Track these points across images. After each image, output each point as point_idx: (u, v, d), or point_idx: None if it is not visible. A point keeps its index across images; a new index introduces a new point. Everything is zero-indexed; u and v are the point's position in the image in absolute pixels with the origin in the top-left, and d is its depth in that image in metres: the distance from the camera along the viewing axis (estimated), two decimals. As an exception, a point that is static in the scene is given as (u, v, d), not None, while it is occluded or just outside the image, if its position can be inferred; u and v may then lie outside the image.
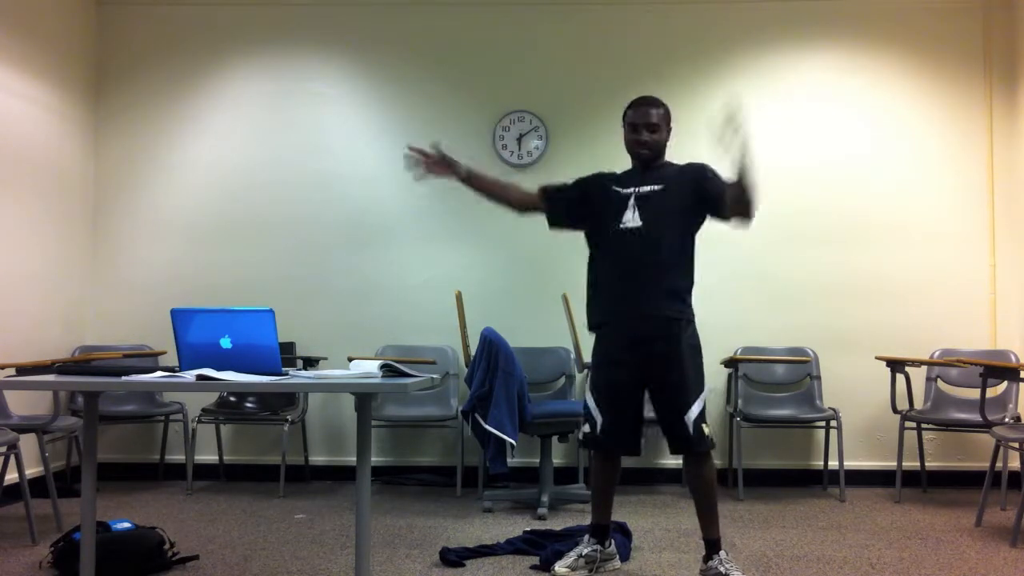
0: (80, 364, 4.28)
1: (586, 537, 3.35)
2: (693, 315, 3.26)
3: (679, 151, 5.26)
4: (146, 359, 4.88)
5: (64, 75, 5.15)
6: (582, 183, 3.49)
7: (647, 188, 3.25)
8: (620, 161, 5.30)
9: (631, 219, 3.22)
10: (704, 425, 3.17)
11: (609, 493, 3.40)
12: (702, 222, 3.27)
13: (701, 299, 5.24)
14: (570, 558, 3.28)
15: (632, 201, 3.24)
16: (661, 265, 3.18)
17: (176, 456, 5.25)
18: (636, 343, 3.20)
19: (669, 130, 3.32)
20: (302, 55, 5.44)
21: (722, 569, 3.11)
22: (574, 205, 3.45)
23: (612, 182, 3.37)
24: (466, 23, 5.41)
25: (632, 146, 3.30)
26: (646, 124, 3.25)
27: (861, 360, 5.07)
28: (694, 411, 3.14)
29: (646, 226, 3.19)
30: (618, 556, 3.41)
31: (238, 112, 5.43)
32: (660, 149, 3.30)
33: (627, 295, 3.21)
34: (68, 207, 5.19)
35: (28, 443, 4.11)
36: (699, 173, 3.25)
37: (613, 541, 3.41)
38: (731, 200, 3.06)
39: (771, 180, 5.26)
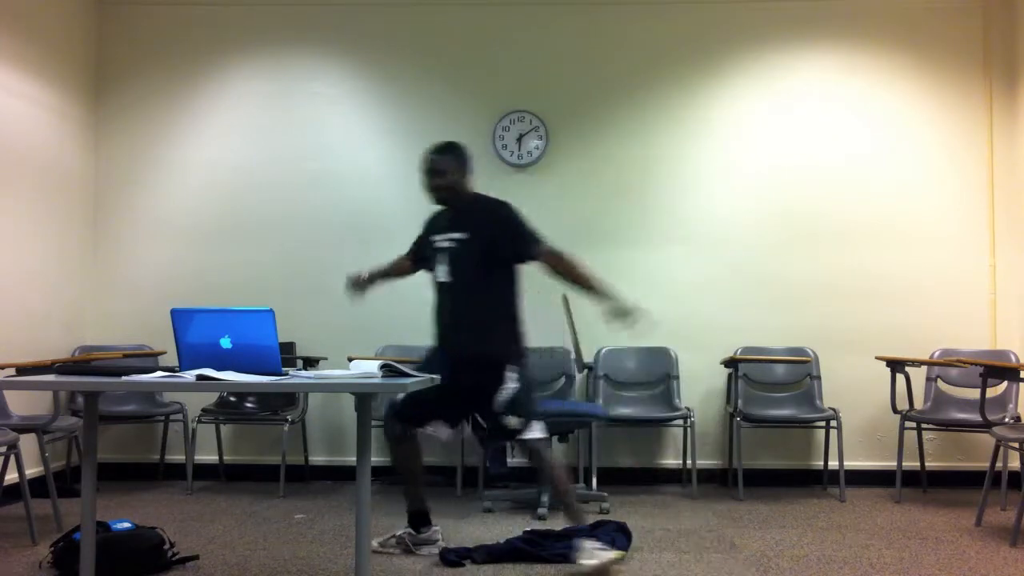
0: (80, 364, 4.28)
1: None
2: (520, 352, 3.48)
3: (679, 150, 5.33)
4: (146, 359, 4.88)
5: (64, 75, 5.15)
6: (417, 241, 3.73)
7: (455, 236, 3.47)
8: (620, 161, 5.33)
9: (443, 273, 3.49)
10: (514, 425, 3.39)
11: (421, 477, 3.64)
12: (516, 262, 3.51)
13: (701, 299, 5.31)
14: (382, 536, 3.60)
15: (442, 254, 3.49)
16: (473, 315, 3.43)
17: (176, 456, 5.25)
18: (457, 378, 3.32)
19: (463, 168, 3.51)
20: (302, 55, 5.44)
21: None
22: (423, 261, 3.69)
23: (431, 231, 3.61)
24: (466, 23, 5.41)
25: (427, 192, 3.54)
26: (430, 171, 3.49)
27: (861, 360, 5.06)
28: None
29: (454, 279, 3.46)
30: (440, 540, 3.59)
31: (238, 112, 5.43)
32: (454, 192, 3.49)
33: (448, 341, 3.51)
34: (68, 207, 5.19)
35: (28, 443, 4.11)
36: (502, 229, 3.46)
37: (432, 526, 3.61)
38: (569, 278, 3.46)
39: (771, 180, 5.29)
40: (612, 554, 3.28)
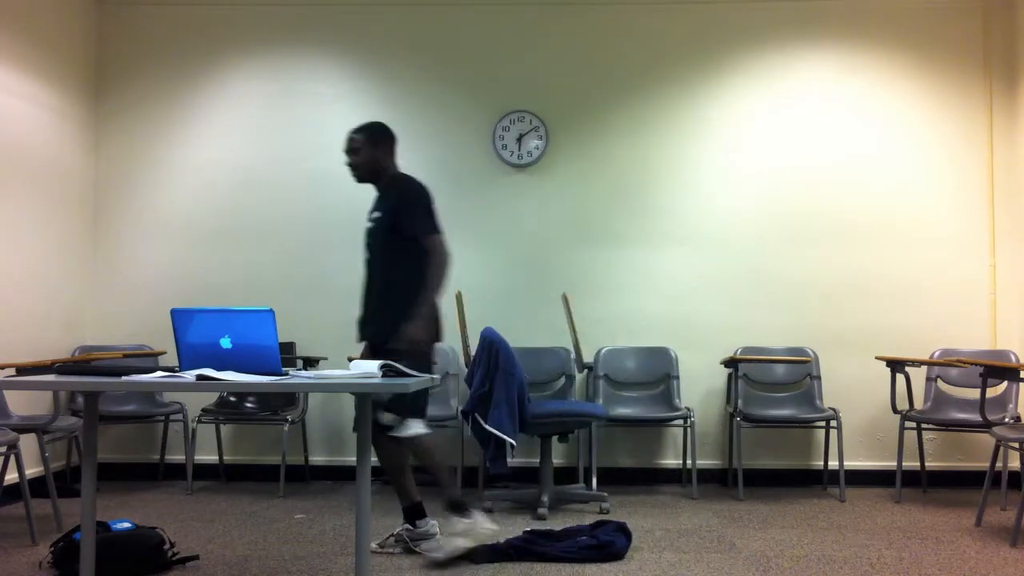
0: (80, 364, 4.28)
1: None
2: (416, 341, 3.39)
3: (679, 150, 5.33)
4: (146, 359, 4.88)
5: (64, 75, 5.15)
6: None
7: (373, 216, 3.57)
8: (620, 161, 5.33)
9: (366, 253, 3.57)
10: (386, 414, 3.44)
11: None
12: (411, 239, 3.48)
13: (701, 299, 5.31)
14: (381, 538, 3.60)
15: (366, 234, 3.58)
16: (378, 299, 3.47)
17: (176, 456, 5.25)
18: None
19: (376, 147, 3.58)
20: (302, 55, 5.44)
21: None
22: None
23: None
24: (466, 23, 5.41)
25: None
26: (346, 149, 3.60)
27: (861, 360, 5.07)
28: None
29: (370, 260, 3.54)
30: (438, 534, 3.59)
31: (238, 112, 5.43)
32: (368, 168, 3.58)
33: (360, 325, 3.59)
34: (68, 207, 5.19)
35: (28, 443, 4.11)
36: (402, 204, 3.48)
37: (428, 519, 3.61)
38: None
39: (771, 180, 5.29)
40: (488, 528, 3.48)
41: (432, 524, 3.62)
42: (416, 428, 3.45)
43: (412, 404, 3.43)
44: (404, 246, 3.43)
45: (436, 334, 3.51)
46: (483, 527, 3.48)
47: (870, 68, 5.26)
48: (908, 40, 5.26)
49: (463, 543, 3.43)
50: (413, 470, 3.61)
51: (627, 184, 5.31)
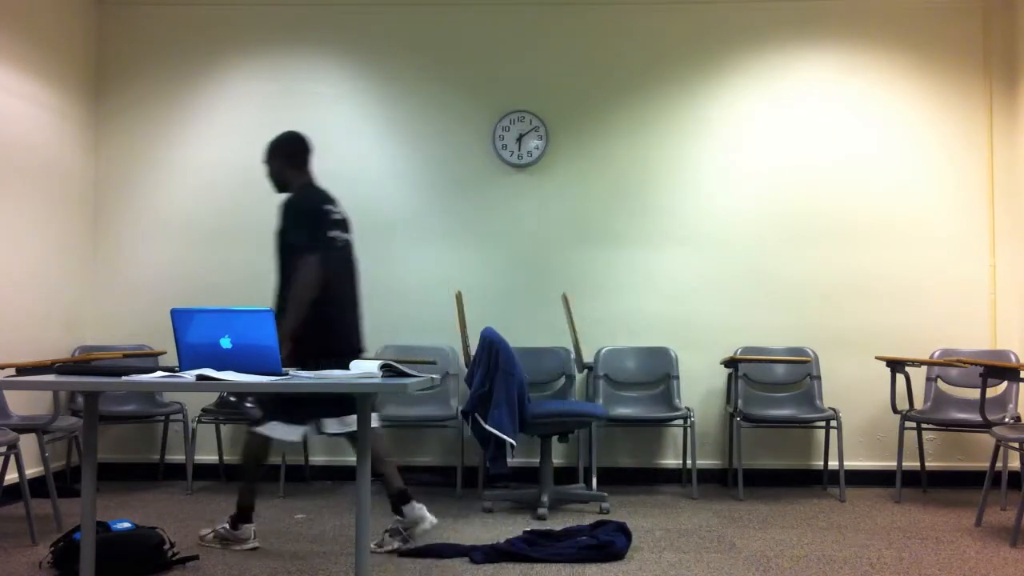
0: (80, 364, 4.27)
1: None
2: (305, 352, 3.41)
3: (679, 150, 5.33)
4: (146, 359, 4.88)
5: (64, 75, 5.15)
6: None
7: (276, 228, 3.59)
8: (620, 161, 5.33)
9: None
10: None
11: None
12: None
13: (701, 299, 5.31)
14: (378, 537, 3.60)
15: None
16: (279, 308, 3.45)
17: (176, 456, 5.25)
18: None
19: (280, 158, 3.66)
20: (302, 55, 5.44)
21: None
22: None
23: None
24: (466, 23, 5.42)
25: None
26: (263, 160, 3.71)
27: (861, 360, 5.07)
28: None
29: (277, 269, 3.57)
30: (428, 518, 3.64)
31: (238, 112, 5.43)
32: (279, 181, 3.67)
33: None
34: (68, 207, 5.19)
35: (28, 443, 4.11)
36: (283, 218, 3.54)
37: (414, 504, 3.62)
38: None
39: (771, 180, 5.29)
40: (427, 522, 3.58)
41: (420, 506, 3.62)
42: (276, 432, 3.47)
43: (282, 408, 3.46)
44: (293, 262, 3.46)
45: (332, 346, 3.47)
46: (246, 542, 3.59)
47: (870, 68, 5.26)
48: (908, 40, 5.26)
49: (219, 546, 3.58)
50: (391, 472, 3.67)
51: (627, 184, 5.31)
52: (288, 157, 3.65)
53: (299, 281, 3.38)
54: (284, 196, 3.61)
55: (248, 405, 3.49)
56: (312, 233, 3.46)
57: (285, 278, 3.50)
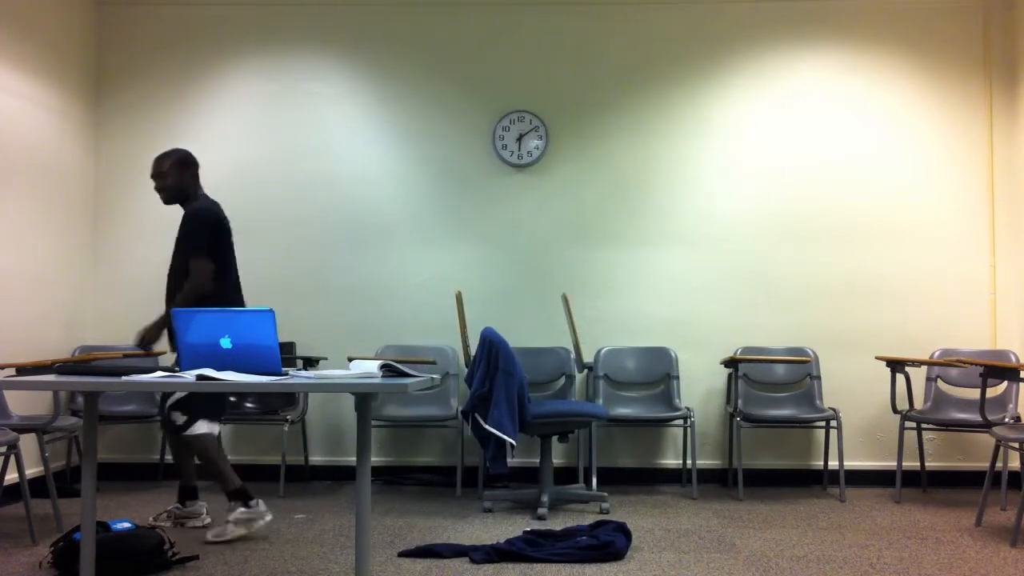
0: (80, 364, 4.27)
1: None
2: None
3: (679, 150, 5.33)
4: (146, 359, 4.88)
5: (64, 75, 5.15)
6: None
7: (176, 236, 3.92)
8: (620, 161, 5.33)
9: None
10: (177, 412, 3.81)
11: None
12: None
13: (701, 299, 5.31)
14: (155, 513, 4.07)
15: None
16: (171, 295, 3.87)
17: (176, 456, 5.25)
18: None
19: (183, 172, 3.92)
20: (302, 55, 5.44)
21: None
22: None
23: None
24: (466, 23, 5.42)
25: None
26: (153, 175, 3.92)
27: (861, 360, 5.07)
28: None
29: (168, 274, 3.91)
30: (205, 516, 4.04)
31: (238, 112, 5.43)
32: (173, 193, 3.93)
33: None
34: (68, 207, 5.19)
35: (28, 443, 4.11)
36: (180, 237, 3.90)
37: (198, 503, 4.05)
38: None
39: (771, 180, 5.29)
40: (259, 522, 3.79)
41: (200, 504, 4.04)
42: (202, 428, 3.79)
43: (204, 406, 3.79)
44: (187, 268, 3.81)
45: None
46: (264, 516, 3.80)
47: (870, 68, 5.26)
48: (908, 40, 5.26)
49: (243, 530, 3.76)
50: (196, 468, 4.03)
51: (627, 184, 5.31)
52: (191, 172, 3.95)
53: (196, 281, 3.76)
54: (191, 206, 3.90)
55: (176, 416, 3.79)
56: (211, 241, 3.84)
57: (175, 285, 3.87)
